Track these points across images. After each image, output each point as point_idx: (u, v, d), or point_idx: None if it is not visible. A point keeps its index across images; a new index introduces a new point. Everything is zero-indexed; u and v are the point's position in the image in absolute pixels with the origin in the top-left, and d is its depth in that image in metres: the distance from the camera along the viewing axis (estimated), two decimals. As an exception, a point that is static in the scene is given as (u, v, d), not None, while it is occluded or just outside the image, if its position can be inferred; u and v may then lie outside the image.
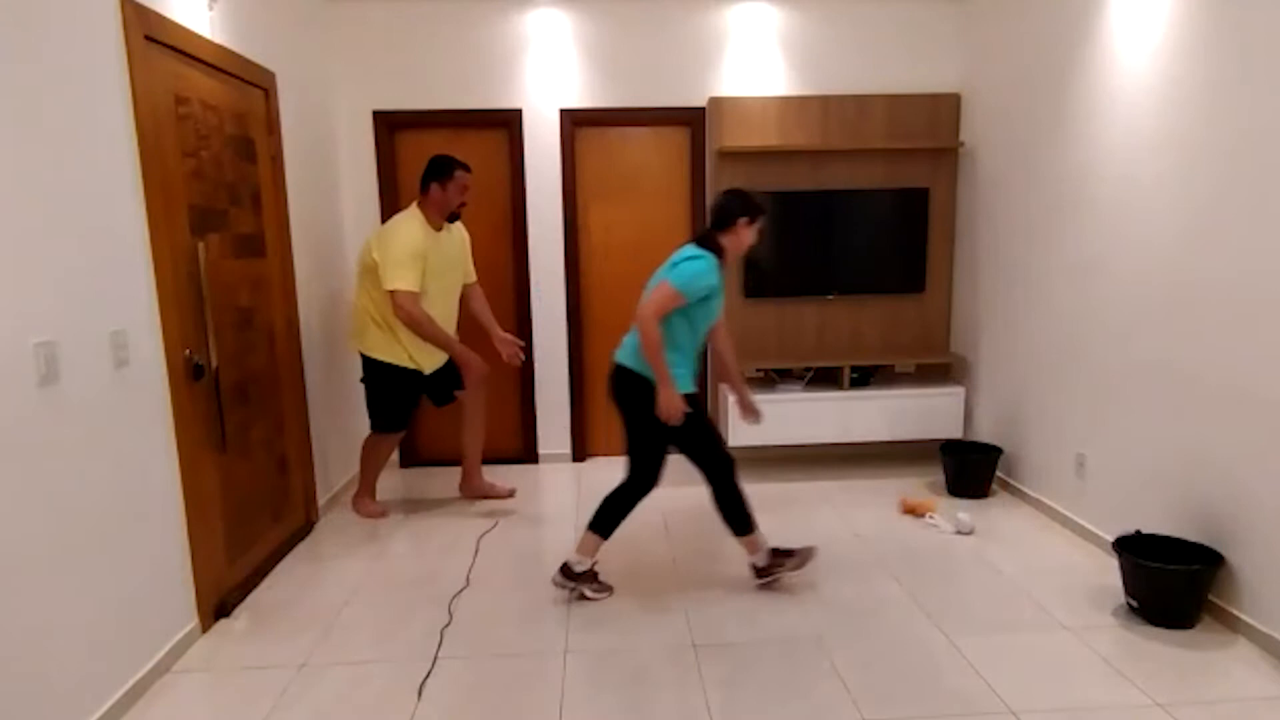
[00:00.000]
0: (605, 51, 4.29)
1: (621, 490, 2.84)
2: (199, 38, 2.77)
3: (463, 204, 3.54)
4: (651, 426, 2.77)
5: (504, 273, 4.51)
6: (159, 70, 2.53)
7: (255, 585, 3.07)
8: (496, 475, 4.44)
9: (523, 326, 4.51)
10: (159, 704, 2.30)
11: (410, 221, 3.43)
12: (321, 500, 3.83)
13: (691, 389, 2.81)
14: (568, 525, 3.66)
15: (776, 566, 2.93)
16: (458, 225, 3.67)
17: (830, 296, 4.41)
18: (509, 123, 4.33)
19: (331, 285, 4.10)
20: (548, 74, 4.29)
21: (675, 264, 2.71)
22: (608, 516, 2.85)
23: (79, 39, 2.14)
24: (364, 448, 3.81)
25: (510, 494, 3.97)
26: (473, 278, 3.84)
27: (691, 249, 2.73)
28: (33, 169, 1.95)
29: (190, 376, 2.66)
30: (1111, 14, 3.08)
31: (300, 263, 3.64)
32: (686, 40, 4.31)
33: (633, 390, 2.78)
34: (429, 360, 3.61)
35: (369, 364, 3.59)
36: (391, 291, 3.33)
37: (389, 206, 4.35)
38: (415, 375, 3.61)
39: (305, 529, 3.61)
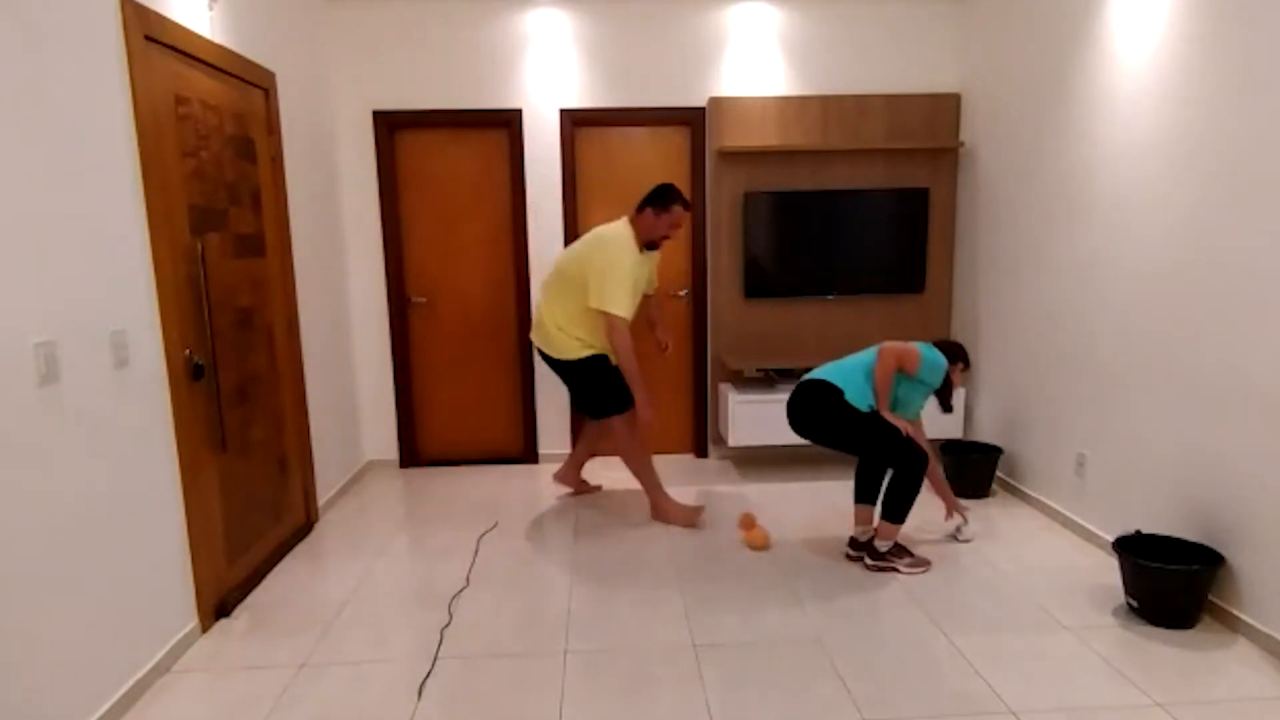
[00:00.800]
0: (605, 51, 4.29)
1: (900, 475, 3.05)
2: (199, 38, 2.77)
3: (665, 238, 3.49)
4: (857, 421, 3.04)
5: (504, 273, 4.51)
6: (159, 70, 2.53)
7: (255, 585, 3.07)
8: (496, 475, 4.45)
9: (523, 326, 4.51)
10: (159, 704, 2.30)
11: (628, 243, 3.39)
12: (321, 500, 3.83)
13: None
14: (568, 525, 3.66)
15: (895, 556, 3.10)
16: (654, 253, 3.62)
17: (830, 297, 4.41)
18: (509, 123, 4.33)
19: (331, 285, 4.11)
20: (548, 74, 4.29)
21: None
22: (897, 502, 3.06)
23: (79, 39, 2.14)
24: (622, 451, 3.61)
25: (597, 489, 4.13)
26: (654, 287, 3.80)
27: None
28: (33, 169, 1.95)
29: (190, 376, 2.66)
30: (1111, 14, 3.08)
31: (300, 263, 3.64)
32: (686, 40, 4.31)
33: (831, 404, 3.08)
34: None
35: (570, 365, 3.54)
36: (604, 312, 3.34)
37: (389, 206, 4.35)
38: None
39: (305, 529, 3.61)
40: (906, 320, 4.52)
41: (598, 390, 3.57)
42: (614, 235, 3.42)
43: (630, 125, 4.43)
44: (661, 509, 3.65)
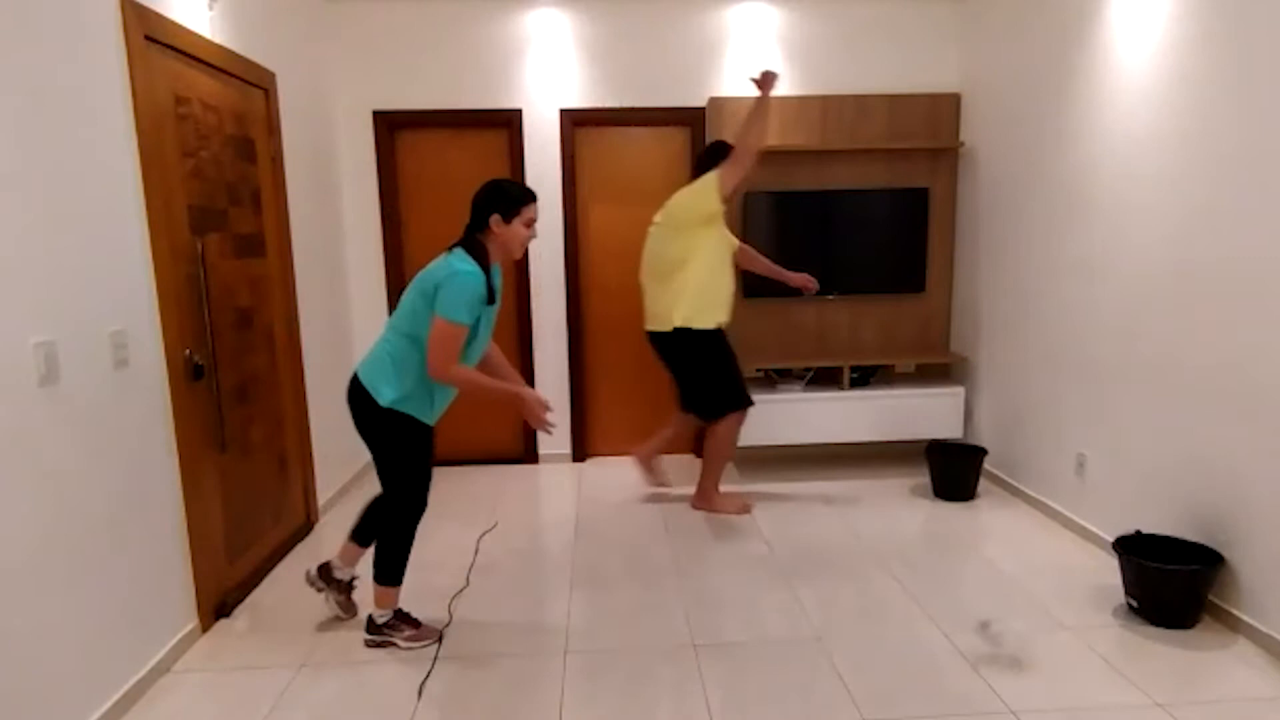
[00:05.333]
0: (605, 51, 4.29)
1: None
2: (199, 38, 2.77)
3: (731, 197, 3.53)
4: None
5: (504, 273, 4.51)
6: (159, 70, 2.53)
7: (255, 585, 3.07)
8: (496, 475, 4.44)
9: (523, 326, 4.51)
10: (159, 704, 2.30)
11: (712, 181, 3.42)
12: (321, 500, 3.83)
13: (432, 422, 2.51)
14: (568, 526, 3.66)
15: (392, 629, 2.60)
16: None
17: (830, 296, 4.41)
18: (509, 123, 4.33)
19: (331, 285, 4.10)
20: (548, 74, 4.29)
21: (438, 285, 2.28)
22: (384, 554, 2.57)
23: (79, 39, 2.14)
24: (717, 437, 3.65)
25: (665, 484, 4.08)
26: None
27: (456, 258, 2.33)
28: (32, 169, 1.95)
29: (190, 376, 2.66)
30: (1111, 14, 3.08)
31: (300, 263, 3.64)
32: (686, 40, 4.31)
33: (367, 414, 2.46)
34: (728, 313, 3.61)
35: (693, 339, 3.53)
36: (723, 185, 3.35)
37: (389, 206, 4.35)
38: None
39: (305, 529, 3.61)
40: (906, 320, 4.52)
41: (719, 373, 3.58)
42: (701, 180, 3.44)
43: (630, 125, 4.43)
44: (708, 496, 3.77)
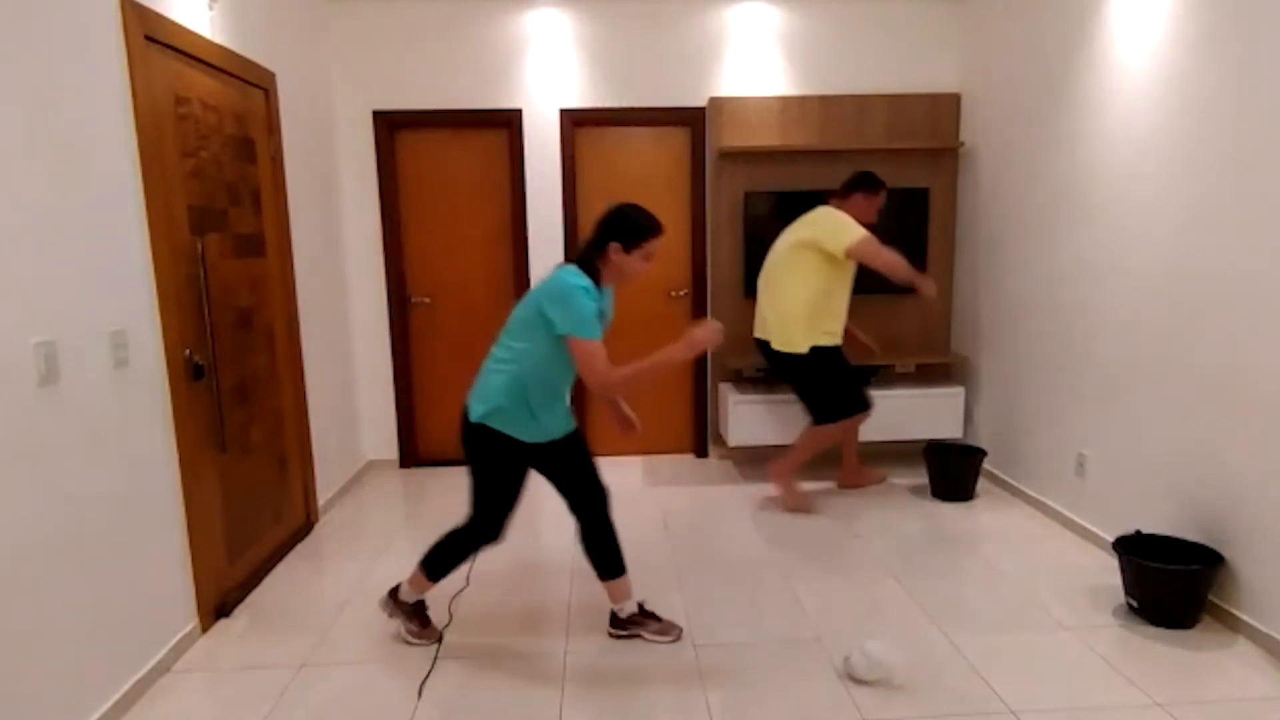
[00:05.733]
0: (605, 51, 4.29)
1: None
2: (199, 38, 2.77)
3: (870, 224, 3.59)
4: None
5: (504, 273, 4.51)
6: (159, 70, 2.53)
7: (255, 585, 3.07)
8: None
9: (523, 326, 4.51)
10: (159, 704, 2.30)
11: (843, 217, 3.50)
12: (321, 500, 3.83)
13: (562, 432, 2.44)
14: (568, 526, 3.66)
15: (635, 624, 2.60)
16: None
17: (830, 296, 4.41)
18: (509, 123, 4.33)
19: (331, 285, 4.10)
20: (548, 74, 4.29)
21: (552, 300, 2.22)
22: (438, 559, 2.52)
23: (79, 39, 2.14)
24: (816, 443, 3.67)
25: (882, 479, 4.04)
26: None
27: (569, 273, 2.26)
28: (33, 169, 1.95)
29: (190, 376, 2.66)
30: (1111, 14, 3.08)
31: (300, 263, 3.64)
32: (686, 40, 4.31)
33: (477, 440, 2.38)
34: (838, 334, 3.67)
35: (797, 361, 3.58)
36: (851, 248, 3.43)
37: (389, 206, 4.35)
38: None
39: (305, 529, 3.61)
40: (906, 320, 4.52)
41: (829, 384, 3.61)
42: (830, 212, 3.52)
43: (630, 125, 4.43)
44: (782, 476, 3.74)
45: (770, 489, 3.93)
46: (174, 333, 2.54)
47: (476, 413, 2.33)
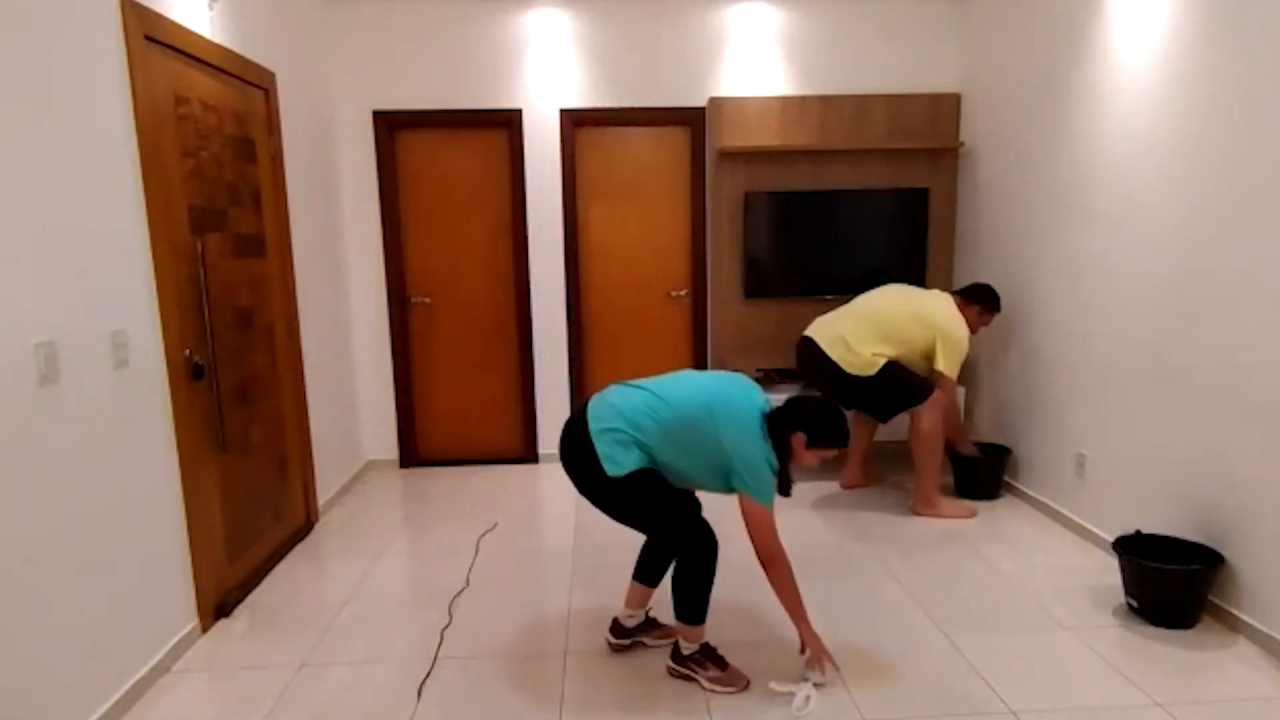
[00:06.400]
0: (605, 51, 4.29)
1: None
2: (199, 38, 2.77)
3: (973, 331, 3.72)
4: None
5: (504, 273, 4.51)
6: (159, 70, 2.53)
7: (255, 585, 3.07)
8: (496, 475, 4.44)
9: (523, 327, 4.51)
10: (159, 704, 2.30)
11: (966, 330, 3.63)
12: (321, 500, 3.83)
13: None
14: (567, 526, 3.65)
15: (698, 665, 2.36)
16: None
17: (830, 297, 4.41)
18: (509, 123, 4.33)
19: (331, 285, 4.10)
20: (548, 74, 4.29)
21: (740, 455, 2.20)
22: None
23: (79, 39, 2.14)
24: (920, 436, 3.59)
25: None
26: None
27: (761, 436, 2.21)
28: (33, 169, 1.95)
29: (190, 376, 2.66)
30: (1111, 14, 3.08)
31: (300, 263, 3.64)
32: (686, 40, 4.31)
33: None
34: None
35: (868, 378, 3.62)
36: (942, 373, 3.58)
37: (389, 206, 4.35)
38: None
39: (305, 529, 3.61)
40: (906, 320, 4.52)
41: (897, 381, 3.62)
42: (958, 317, 3.61)
43: (630, 125, 4.43)
44: (930, 500, 3.67)
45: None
46: (174, 333, 2.54)
47: (614, 472, 2.21)
